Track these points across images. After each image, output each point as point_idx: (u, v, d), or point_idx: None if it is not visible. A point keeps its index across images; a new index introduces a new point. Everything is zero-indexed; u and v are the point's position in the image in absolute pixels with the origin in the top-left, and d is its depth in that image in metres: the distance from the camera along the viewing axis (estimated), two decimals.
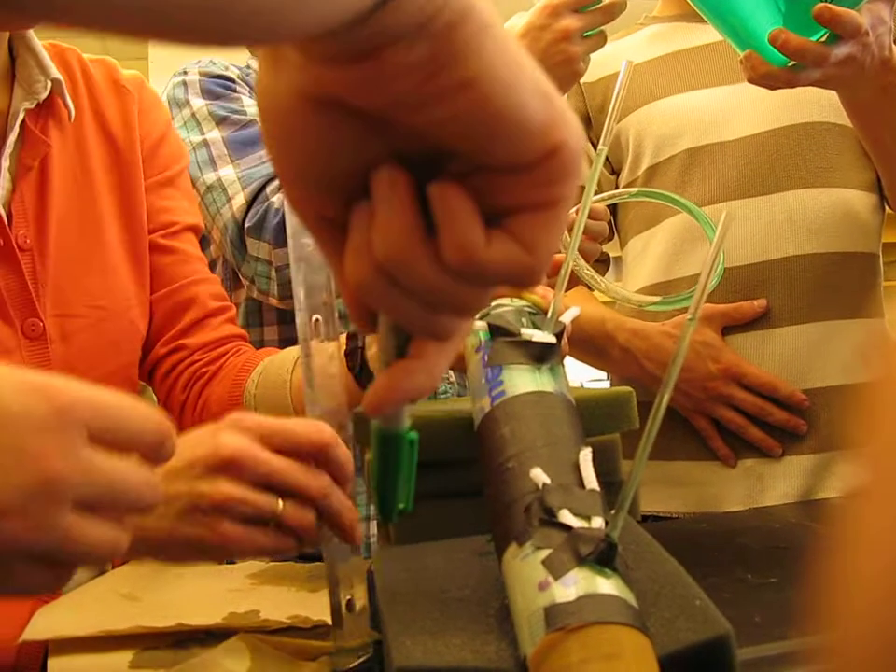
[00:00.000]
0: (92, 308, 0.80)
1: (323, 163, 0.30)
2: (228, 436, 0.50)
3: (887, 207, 1.16)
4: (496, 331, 0.57)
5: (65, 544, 0.38)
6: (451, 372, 1.21)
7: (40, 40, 0.81)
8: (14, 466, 0.37)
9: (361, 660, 0.55)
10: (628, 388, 0.70)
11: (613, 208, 1.26)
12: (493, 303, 0.65)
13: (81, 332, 0.79)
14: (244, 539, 0.49)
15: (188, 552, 0.50)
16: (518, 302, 0.64)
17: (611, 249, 1.31)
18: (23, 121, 0.77)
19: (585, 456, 0.48)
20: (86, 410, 0.39)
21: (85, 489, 0.39)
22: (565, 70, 0.89)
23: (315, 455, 0.52)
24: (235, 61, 1.24)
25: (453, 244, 0.30)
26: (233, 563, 0.63)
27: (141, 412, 0.41)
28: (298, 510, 0.50)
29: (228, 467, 0.49)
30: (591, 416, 0.69)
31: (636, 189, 1.05)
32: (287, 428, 0.52)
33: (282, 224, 1.01)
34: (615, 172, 1.23)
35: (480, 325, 0.58)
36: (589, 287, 1.29)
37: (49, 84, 0.79)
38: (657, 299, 0.83)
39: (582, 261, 0.84)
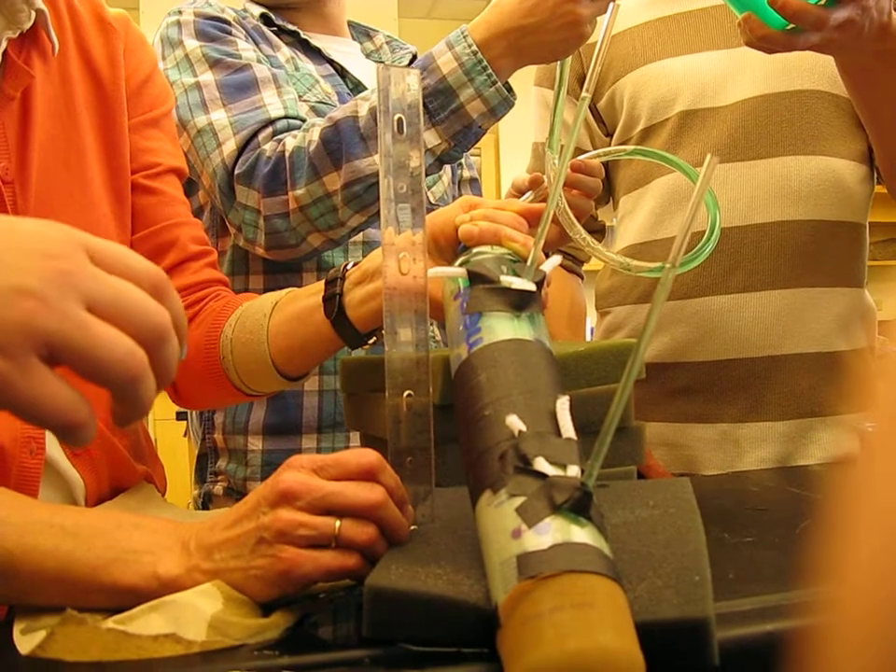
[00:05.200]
0: None
1: None
2: (285, 473, 0.53)
3: (876, 179, 1.15)
4: (475, 278, 0.56)
5: (78, 334, 0.39)
6: (435, 330, 1.20)
7: None
8: (35, 256, 0.40)
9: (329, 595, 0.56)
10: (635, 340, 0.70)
11: (607, 171, 1.25)
12: (473, 251, 0.64)
13: None
14: (308, 561, 0.51)
15: (263, 586, 0.52)
16: (498, 250, 0.64)
17: (607, 217, 1.31)
18: (6, 51, 0.75)
19: (563, 405, 0.47)
20: (86, 239, 0.43)
21: (95, 293, 0.41)
22: (570, 32, 0.88)
23: (364, 478, 0.54)
24: (232, 3, 1.22)
25: None
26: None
27: (139, 257, 0.45)
28: (356, 525, 0.52)
29: (285, 497, 0.52)
30: (603, 365, 0.70)
31: (631, 148, 1.04)
32: (338, 458, 0.54)
33: (272, 172, 0.99)
34: (609, 134, 1.22)
35: (458, 272, 0.57)
36: (573, 259, 1.30)
37: (34, 15, 0.77)
38: (653, 265, 0.82)
39: (579, 226, 0.83)
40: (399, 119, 0.55)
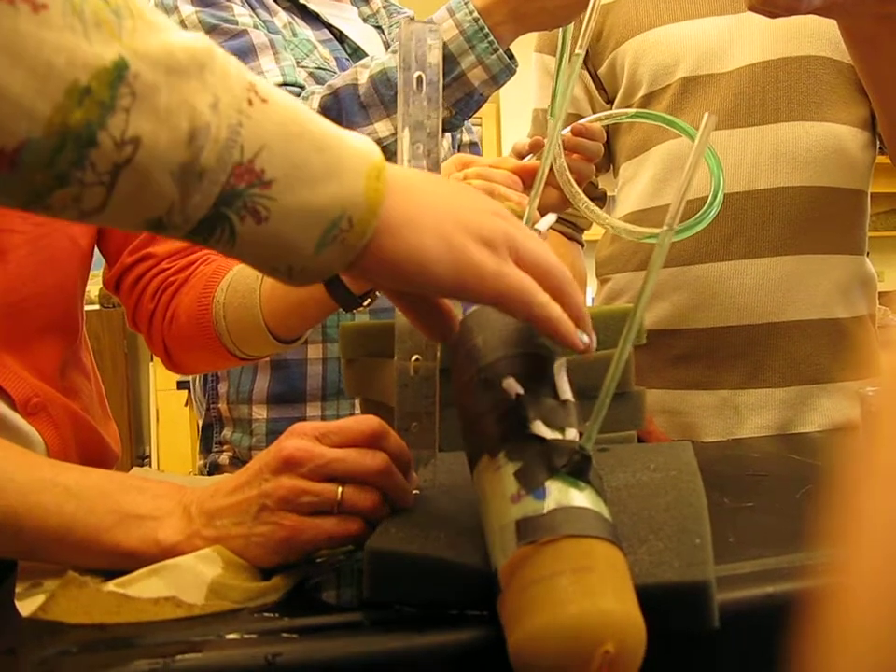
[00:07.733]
0: (31, 224, 0.76)
1: None
2: (287, 441, 0.53)
3: (878, 147, 1.15)
4: None
5: (523, 249, 0.48)
6: None
7: None
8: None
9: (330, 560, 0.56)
10: None
11: (608, 138, 1.24)
12: None
13: (19, 248, 0.75)
14: (310, 528, 0.51)
15: (265, 553, 0.52)
16: None
17: (609, 186, 1.30)
18: None
19: (560, 367, 0.47)
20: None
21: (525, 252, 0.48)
22: None
23: (367, 445, 0.54)
24: None
25: None
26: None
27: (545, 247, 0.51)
28: (359, 491, 0.52)
29: (288, 465, 0.52)
30: (604, 330, 0.69)
31: (633, 111, 1.03)
32: (340, 425, 0.54)
33: None
34: (610, 101, 1.21)
35: None
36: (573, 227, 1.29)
37: None
38: (653, 230, 0.81)
39: (579, 190, 0.83)
40: (419, 77, 0.54)
